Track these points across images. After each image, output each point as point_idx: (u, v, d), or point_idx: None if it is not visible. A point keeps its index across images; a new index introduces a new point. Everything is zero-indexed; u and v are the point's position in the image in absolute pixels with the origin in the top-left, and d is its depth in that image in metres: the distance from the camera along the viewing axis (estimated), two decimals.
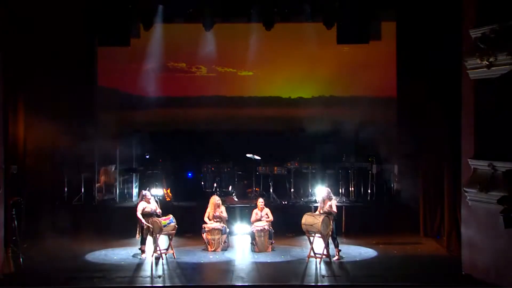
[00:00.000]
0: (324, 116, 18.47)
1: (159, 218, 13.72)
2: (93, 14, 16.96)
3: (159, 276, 12.52)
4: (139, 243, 13.98)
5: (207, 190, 17.82)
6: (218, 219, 14.57)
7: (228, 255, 14.19)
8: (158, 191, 16.76)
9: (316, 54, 18.69)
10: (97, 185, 17.42)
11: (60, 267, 12.99)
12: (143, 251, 13.89)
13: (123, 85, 19.66)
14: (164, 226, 13.60)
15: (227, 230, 14.71)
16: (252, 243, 14.51)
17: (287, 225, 15.70)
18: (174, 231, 13.93)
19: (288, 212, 16.32)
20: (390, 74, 17.82)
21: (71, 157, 16.47)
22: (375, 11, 17.41)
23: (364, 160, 17.82)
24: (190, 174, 19.16)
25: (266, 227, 14.42)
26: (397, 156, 17.21)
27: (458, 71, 13.10)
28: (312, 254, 13.44)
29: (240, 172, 18.30)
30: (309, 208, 15.79)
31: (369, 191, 17.67)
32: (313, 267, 13.10)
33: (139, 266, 13.28)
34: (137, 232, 14.17)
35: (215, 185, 17.95)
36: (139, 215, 13.83)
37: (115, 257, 13.92)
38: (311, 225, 13.42)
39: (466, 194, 12.46)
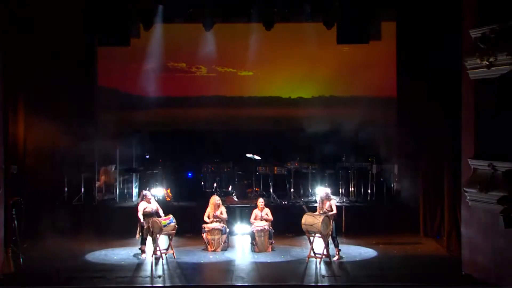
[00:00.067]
0: (324, 116, 18.46)
1: (159, 218, 13.72)
2: (93, 14, 16.96)
3: (159, 276, 12.52)
4: (139, 243, 13.98)
5: (207, 190, 17.81)
6: (218, 219, 14.57)
7: (228, 255, 14.19)
8: (158, 191, 16.77)
9: (316, 54, 18.69)
10: (97, 185, 17.42)
11: (60, 267, 12.98)
12: (143, 251, 13.89)
13: (123, 85, 19.67)
14: (164, 226, 13.60)
15: (227, 230, 14.70)
16: (252, 243, 14.51)
17: (287, 225, 15.69)
18: (174, 231, 13.93)
19: (288, 212, 16.31)
20: (390, 74, 17.82)
21: (71, 157, 16.47)
22: (375, 11, 17.41)
23: (364, 160, 17.81)
24: (190, 174, 19.16)
25: (266, 227, 14.42)
26: (397, 156, 17.22)
27: (458, 71, 13.10)
28: (312, 254, 13.44)
29: (240, 172, 18.29)
30: (310, 208, 15.73)
31: (369, 191, 17.67)
32: (313, 267, 13.10)
33: (139, 266, 13.28)
34: (137, 232, 14.16)
35: (215, 185, 17.95)
36: (139, 215, 13.83)
37: (115, 257, 13.92)
38: (311, 225, 13.42)
39: (466, 194, 12.46)
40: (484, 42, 11.75)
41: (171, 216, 13.98)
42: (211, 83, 19.92)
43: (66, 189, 16.77)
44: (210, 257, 13.98)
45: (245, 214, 15.85)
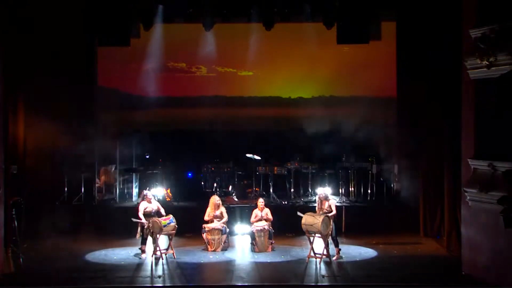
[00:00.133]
0: (324, 116, 18.47)
1: (159, 218, 13.72)
2: (93, 14, 16.97)
3: (159, 276, 12.52)
4: (140, 243, 13.98)
5: (207, 190, 17.82)
6: (218, 219, 14.57)
7: (228, 255, 14.19)
8: (158, 191, 16.77)
9: (316, 54, 18.70)
10: (97, 185, 17.42)
11: (60, 267, 12.99)
12: (143, 251, 13.90)
13: (123, 85, 19.68)
14: (164, 226, 13.60)
15: (227, 230, 14.70)
16: (252, 243, 14.51)
17: (287, 225, 15.69)
18: (174, 231, 13.93)
19: (288, 212, 16.30)
20: (390, 74, 17.81)
21: (71, 157, 16.47)
22: (375, 11, 17.42)
23: (364, 160, 17.81)
24: (190, 174, 19.17)
25: (266, 227, 14.42)
26: (397, 156, 17.21)
27: (458, 71, 13.10)
28: (312, 254, 13.44)
29: (240, 172, 18.30)
30: (310, 208, 15.73)
31: (369, 191, 17.68)
32: (313, 267, 13.09)
33: (139, 266, 13.28)
34: (137, 232, 14.17)
35: (215, 185, 17.96)
36: (140, 215, 13.84)
37: (115, 257, 13.92)
38: (311, 225, 13.41)
39: (466, 194, 12.46)
40: (484, 42, 11.75)
41: (171, 216, 13.98)
42: (211, 83, 19.93)
43: (66, 189, 16.77)
44: (210, 257, 13.98)
45: (245, 214, 15.85)
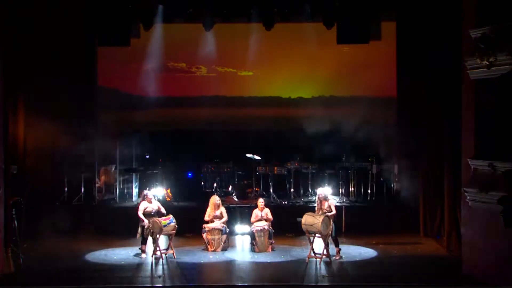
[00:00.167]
0: (324, 116, 18.46)
1: (159, 218, 13.72)
2: (93, 14, 16.97)
3: (159, 276, 12.53)
4: (140, 243, 13.98)
5: (207, 190, 17.82)
6: (218, 219, 14.56)
7: (228, 255, 14.19)
8: (158, 191, 16.77)
9: (316, 54, 18.70)
10: (97, 185, 17.42)
11: (60, 267, 12.99)
12: (143, 251, 13.89)
13: (123, 85, 19.68)
14: (164, 226, 13.59)
15: (227, 230, 14.70)
16: (252, 243, 14.51)
17: (287, 225, 15.68)
18: (174, 231, 13.92)
19: (288, 212, 16.30)
20: (390, 74, 17.81)
21: (71, 157, 16.47)
22: (375, 11, 17.42)
23: (364, 160, 17.80)
24: (190, 174, 19.16)
25: (266, 227, 14.41)
26: (397, 156, 17.21)
27: (458, 71, 13.10)
28: (312, 254, 13.44)
29: (240, 172, 18.30)
30: (310, 208, 15.74)
31: (369, 191, 17.67)
32: (313, 267, 13.09)
33: (139, 266, 13.28)
34: (138, 231, 14.16)
35: (215, 185, 17.95)
36: (140, 214, 13.83)
37: (115, 257, 13.92)
38: (311, 225, 13.41)
39: (466, 194, 12.46)
40: (484, 42, 11.75)
41: (171, 216, 13.98)
42: (211, 83, 19.93)
43: (66, 189, 16.77)
44: (210, 257, 13.97)
45: (245, 214, 15.85)
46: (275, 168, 17.79)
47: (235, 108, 19.83)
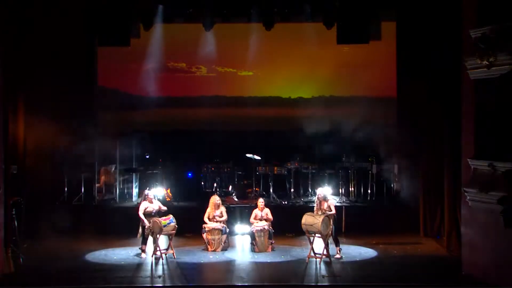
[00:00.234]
0: (324, 116, 18.46)
1: (159, 218, 13.72)
2: (93, 14, 16.96)
3: (159, 276, 12.53)
4: (140, 243, 13.98)
5: (207, 190, 17.82)
6: (218, 219, 14.56)
7: (228, 255, 14.19)
8: (158, 191, 16.76)
9: (316, 54, 18.70)
10: (97, 185, 17.41)
11: (60, 267, 12.99)
12: (143, 251, 13.89)
13: (123, 85, 19.68)
14: (164, 226, 13.59)
15: (227, 230, 14.70)
16: (252, 243, 14.51)
17: (287, 225, 15.68)
18: (174, 231, 13.92)
19: (288, 212, 16.30)
20: (390, 74, 17.81)
21: (71, 157, 16.47)
22: (375, 11, 17.41)
23: (364, 160, 17.80)
24: (190, 174, 19.15)
25: (266, 227, 14.41)
26: (397, 156, 17.20)
27: (458, 71, 13.11)
28: (312, 254, 13.44)
29: (240, 172, 18.29)
30: (310, 208, 15.74)
31: (369, 191, 17.67)
32: (313, 267, 13.09)
33: (139, 266, 13.28)
34: (139, 231, 14.16)
35: (215, 185, 17.95)
36: (141, 214, 13.83)
37: (115, 257, 13.92)
38: (311, 225, 13.41)
39: (466, 194, 12.46)
40: (484, 42, 11.75)
41: (171, 216, 13.98)
42: (211, 83, 19.92)
43: (66, 189, 16.77)
44: (210, 257, 13.97)
45: (245, 214, 15.84)
46: (275, 168, 17.79)
47: (235, 108, 19.83)
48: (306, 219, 13.54)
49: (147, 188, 15.41)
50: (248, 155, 17.81)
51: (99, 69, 18.11)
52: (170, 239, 13.95)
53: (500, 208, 11.26)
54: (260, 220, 14.58)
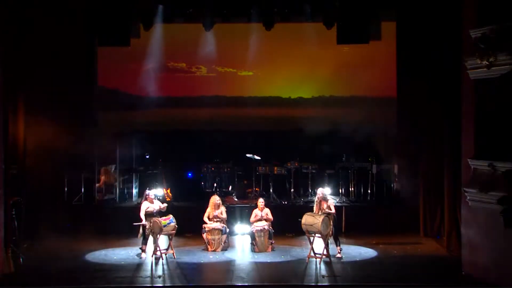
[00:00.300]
0: (324, 116, 18.47)
1: (159, 218, 13.72)
2: (93, 14, 16.95)
3: (159, 276, 12.52)
4: (140, 243, 13.97)
5: (207, 190, 17.81)
6: (218, 219, 14.57)
7: (228, 255, 14.19)
8: (158, 191, 16.77)
9: (316, 54, 18.70)
10: (97, 185, 17.41)
11: (60, 267, 12.99)
12: (143, 251, 13.89)
13: (123, 85, 19.67)
14: (164, 226, 13.60)
15: (227, 230, 14.70)
16: (252, 243, 14.51)
17: (287, 225, 15.68)
18: (174, 231, 13.93)
19: (288, 212, 16.29)
20: (390, 74, 17.81)
21: (71, 157, 16.45)
22: (375, 11, 17.40)
23: (364, 160, 17.80)
24: (190, 174, 19.15)
25: (266, 227, 14.42)
26: (397, 156, 17.21)
27: (458, 71, 13.11)
28: (312, 254, 13.44)
29: (240, 172, 18.29)
30: (310, 208, 15.74)
31: (369, 191, 17.67)
32: (313, 267, 13.09)
33: (139, 266, 13.28)
34: (139, 231, 14.15)
35: (215, 185, 17.95)
36: (141, 215, 13.82)
37: (115, 257, 13.92)
38: (311, 225, 13.41)
39: (466, 194, 12.47)
40: (484, 42, 11.76)
41: (171, 216, 13.98)
42: (211, 83, 19.91)
43: (66, 189, 16.76)
44: (210, 257, 13.98)
45: (245, 214, 15.85)
46: (275, 168, 17.79)
47: (235, 108, 19.82)
48: (306, 219, 13.55)
49: (148, 188, 15.41)
50: (248, 155, 17.81)
51: (99, 69, 18.10)
52: (170, 239, 13.95)
53: (500, 208, 11.26)
54: (260, 220, 14.58)
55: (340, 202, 16.82)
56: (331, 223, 13.50)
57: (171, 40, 18.91)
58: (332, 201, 14.19)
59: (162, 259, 13.52)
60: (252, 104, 19.73)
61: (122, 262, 13.51)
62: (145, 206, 13.91)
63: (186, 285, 12.21)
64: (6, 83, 12.90)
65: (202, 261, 13.65)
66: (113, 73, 19.25)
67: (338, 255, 13.62)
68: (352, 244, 14.97)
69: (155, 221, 13.57)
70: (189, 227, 15.39)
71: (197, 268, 13.29)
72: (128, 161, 18.21)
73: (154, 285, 12.10)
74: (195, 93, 19.93)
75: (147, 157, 18.69)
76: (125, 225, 15.40)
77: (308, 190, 17.93)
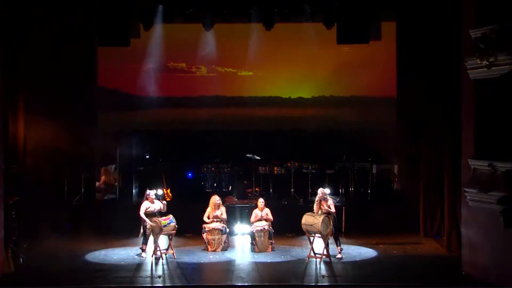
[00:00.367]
0: (324, 116, 18.47)
1: (159, 218, 13.72)
2: (93, 14, 16.93)
3: (159, 276, 12.53)
4: (141, 243, 13.97)
5: (207, 190, 17.82)
6: (218, 219, 14.57)
7: (228, 255, 14.19)
8: (158, 191, 16.74)
9: (316, 54, 18.69)
10: (97, 185, 17.41)
11: (60, 267, 12.99)
12: (143, 251, 13.89)
13: (123, 85, 19.67)
14: (164, 226, 13.60)
15: (227, 230, 14.70)
16: (252, 243, 14.51)
17: (287, 225, 15.67)
18: (174, 231, 13.93)
19: (288, 212, 16.29)
20: (390, 74, 17.81)
21: (71, 157, 16.44)
22: (375, 11, 17.38)
23: (364, 160, 17.80)
24: (190, 174, 19.16)
25: (266, 227, 14.42)
26: (397, 156, 17.20)
27: (458, 71, 13.10)
28: (312, 254, 13.44)
29: (240, 172, 18.29)
30: (310, 208, 15.74)
31: (369, 191, 17.67)
32: (313, 267, 13.10)
33: (139, 266, 13.28)
34: (140, 231, 14.15)
35: (215, 185, 17.95)
36: (142, 214, 13.81)
37: (115, 257, 13.92)
38: (311, 225, 13.41)
39: (466, 194, 12.47)
40: (484, 42, 11.75)
41: (171, 216, 13.98)
42: (211, 83, 19.92)
43: (66, 189, 16.76)
44: (210, 257, 13.98)
45: (245, 214, 15.85)
46: (275, 168, 17.79)
47: (235, 108, 19.83)
48: (306, 219, 13.55)
49: (148, 188, 15.40)
50: (248, 155, 17.82)
51: (99, 69, 18.07)
52: (170, 239, 13.96)
53: (500, 208, 11.26)
54: (260, 220, 14.58)
55: (340, 202, 16.81)
56: (331, 223, 13.50)
57: (171, 40, 18.91)
58: (332, 201, 14.18)
59: (162, 259, 13.53)
60: (252, 104, 19.74)
61: (122, 262, 13.50)
62: (145, 206, 13.90)
63: (186, 285, 12.20)
64: (6, 83, 12.89)
65: (202, 261, 13.65)
66: (113, 73, 19.26)
67: (339, 256, 13.62)
68: (352, 244, 14.97)
69: (155, 221, 13.57)
70: (189, 227, 15.39)
71: (197, 268, 13.29)
72: (128, 161, 18.18)
73: (154, 285, 12.10)
74: (195, 93, 19.93)
75: (147, 157, 18.68)
76: (125, 225, 15.40)
77: (308, 190, 17.89)
